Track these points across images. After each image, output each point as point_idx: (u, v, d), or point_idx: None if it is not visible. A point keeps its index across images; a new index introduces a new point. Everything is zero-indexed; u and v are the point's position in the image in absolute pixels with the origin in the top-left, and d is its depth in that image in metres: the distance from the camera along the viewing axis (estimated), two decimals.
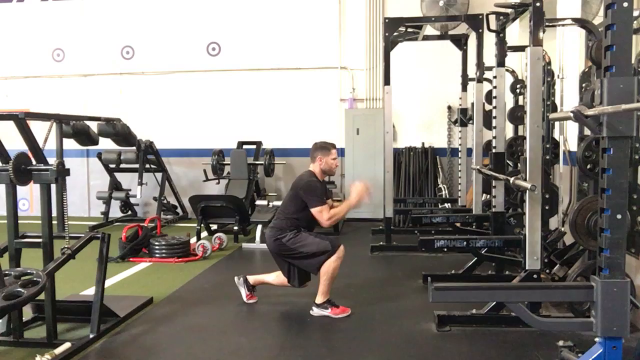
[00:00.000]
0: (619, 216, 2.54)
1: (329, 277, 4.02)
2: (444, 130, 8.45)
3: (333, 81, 8.62)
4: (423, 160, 8.38)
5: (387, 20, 6.27)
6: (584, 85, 4.29)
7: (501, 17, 4.67)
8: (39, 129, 5.37)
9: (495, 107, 4.79)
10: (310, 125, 8.65)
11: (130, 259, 5.91)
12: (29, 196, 9.28)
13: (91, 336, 3.55)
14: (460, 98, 7.39)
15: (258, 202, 6.83)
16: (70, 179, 4.18)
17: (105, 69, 9.11)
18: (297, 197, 4.10)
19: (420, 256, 5.81)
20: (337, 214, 4.12)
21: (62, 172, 3.55)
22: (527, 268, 3.68)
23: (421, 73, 8.37)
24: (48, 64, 9.27)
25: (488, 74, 6.01)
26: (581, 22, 4.34)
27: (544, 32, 3.59)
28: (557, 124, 5.12)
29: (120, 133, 8.02)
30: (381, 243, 6.30)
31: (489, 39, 5.40)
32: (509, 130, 6.19)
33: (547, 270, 4.30)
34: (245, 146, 8.49)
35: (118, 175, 8.64)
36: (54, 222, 4.25)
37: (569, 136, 4.97)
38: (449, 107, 8.37)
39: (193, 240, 6.41)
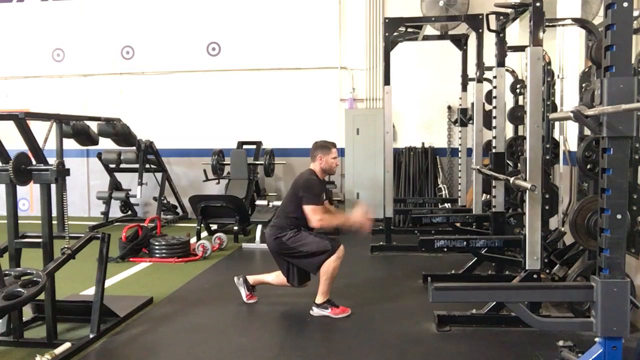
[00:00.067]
0: (619, 216, 2.54)
1: (328, 277, 4.02)
2: (444, 130, 8.45)
3: (333, 81, 8.62)
4: (423, 160, 8.38)
5: (387, 20, 6.27)
6: (584, 85, 4.29)
7: (501, 17, 4.67)
8: (39, 129, 5.37)
9: (495, 107, 4.79)
10: (310, 125, 8.65)
11: (130, 259, 5.91)
12: (29, 196, 9.29)
13: (91, 336, 3.55)
14: (460, 98, 7.39)
15: (258, 202, 6.83)
16: (70, 179, 4.18)
17: (105, 69, 9.11)
18: (297, 195, 4.10)
19: (420, 256, 5.81)
20: (329, 220, 4.12)
21: (62, 172, 3.55)
22: (527, 268, 3.68)
23: (421, 73, 8.37)
24: (48, 64, 9.28)
25: (488, 74, 6.01)
26: (581, 22, 4.34)
27: (544, 32, 3.59)
28: (557, 124, 5.12)
29: (120, 133, 8.02)
30: (381, 243, 6.30)
31: (489, 39, 5.40)
32: (509, 130, 6.19)
33: (547, 270, 4.30)
34: (245, 146, 8.49)
35: (118, 175, 8.64)
36: (54, 222, 4.25)
37: (569, 136, 4.97)
38: (449, 107, 8.38)
39: (193, 240, 6.41)
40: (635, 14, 3.54)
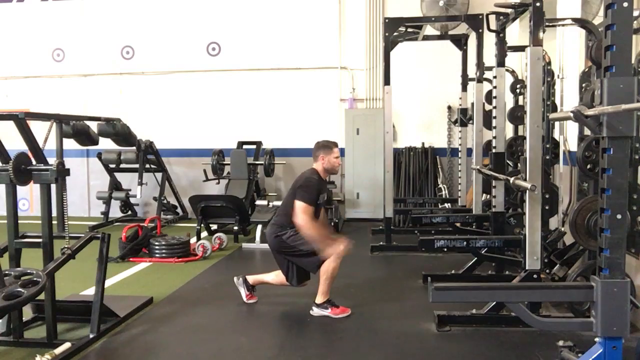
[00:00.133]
0: (619, 216, 2.54)
1: (328, 277, 4.02)
2: (444, 130, 8.45)
3: (333, 81, 8.62)
4: (423, 160, 8.39)
5: (387, 20, 6.27)
6: (584, 85, 4.29)
7: (501, 17, 4.67)
8: (39, 129, 5.37)
9: (495, 107, 4.79)
10: (310, 125, 8.65)
11: (130, 259, 5.91)
12: (29, 196, 9.29)
13: (91, 336, 3.55)
14: (460, 98, 7.39)
15: (258, 202, 6.84)
16: (70, 179, 4.18)
17: (105, 69, 9.11)
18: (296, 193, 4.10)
19: (420, 256, 5.81)
20: (312, 229, 3.93)
21: (62, 172, 3.55)
22: (527, 268, 3.68)
23: (421, 73, 8.37)
24: (48, 64, 9.28)
25: (488, 74, 6.01)
26: (581, 22, 4.34)
27: (544, 32, 3.59)
28: (557, 124, 5.12)
29: (120, 133, 8.02)
30: (381, 243, 6.30)
31: (489, 39, 5.40)
32: (509, 130, 6.19)
33: (547, 270, 4.30)
34: (245, 146, 8.49)
35: (118, 175, 8.64)
36: (54, 222, 4.25)
37: (569, 136, 4.97)
38: (449, 107, 8.38)
39: (193, 240, 6.41)
40: (635, 14, 3.54)
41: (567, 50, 5.26)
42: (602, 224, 2.59)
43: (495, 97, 4.81)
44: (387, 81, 6.18)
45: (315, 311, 4.07)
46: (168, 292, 4.71)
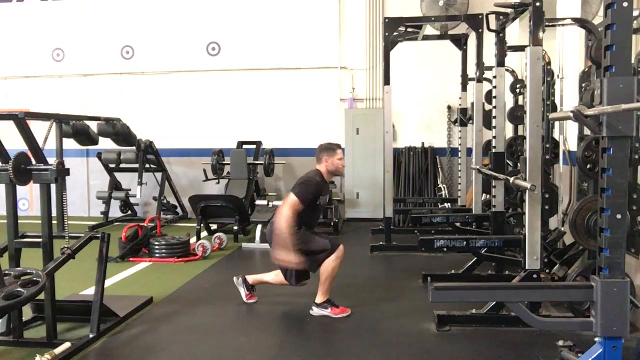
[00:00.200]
0: (619, 216, 2.54)
1: (328, 277, 4.02)
2: (444, 130, 8.45)
3: (333, 81, 8.62)
4: (423, 160, 8.39)
5: (387, 20, 6.27)
6: (584, 85, 4.29)
7: (501, 17, 4.67)
8: (39, 129, 5.36)
9: (495, 107, 4.79)
10: (310, 125, 8.65)
11: (130, 259, 5.91)
12: (29, 196, 9.29)
13: (91, 336, 3.55)
14: (460, 98, 7.39)
15: (258, 202, 6.82)
16: (70, 179, 4.18)
17: (105, 69, 9.11)
18: None
19: (420, 256, 5.81)
20: (286, 227, 3.81)
21: (62, 172, 3.55)
22: (527, 268, 3.68)
23: (421, 73, 8.37)
24: (48, 64, 9.28)
25: (488, 74, 6.01)
26: (581, 22, 4.34)
27: (544, 32, 3.59)
28: (557, 124, 5.12)
29: (120, 133, 8.02)
30: (381, 243, 6.30)
31: (489, 39, 5.40)
32: (509, 130, 6.19)
33: (547, 270, 4.30)
34: (245, 146, 8.49)
35: (118, 175, 8.64)
36: (54, 222, 4.25)
37: (569, 136, 4.97)
38: (449, 107, 8.38)
39: (193, 240, 6.41)
40: (635, 14, 3.54)
41: (567, 50, 5.26)
42: (602, 224, 2.59)
43: (495, 97, 4.81)
44: (387, 81, 6.18)
45: (315, 311, 4.07)
46: (168, 292, 4.71)
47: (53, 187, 3.56)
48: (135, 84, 9.08)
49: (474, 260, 4.83)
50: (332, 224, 7.45)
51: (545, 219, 4.55)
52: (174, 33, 8.93)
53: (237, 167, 8.03)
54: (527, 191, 3.62)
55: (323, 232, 4.33)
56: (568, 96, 5.17)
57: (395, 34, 6.44)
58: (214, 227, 7.19)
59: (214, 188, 8.38)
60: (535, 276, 3.66)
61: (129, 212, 8.77)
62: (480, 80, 6.14)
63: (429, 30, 7.20)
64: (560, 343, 3.11)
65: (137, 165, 8.16)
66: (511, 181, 3.89)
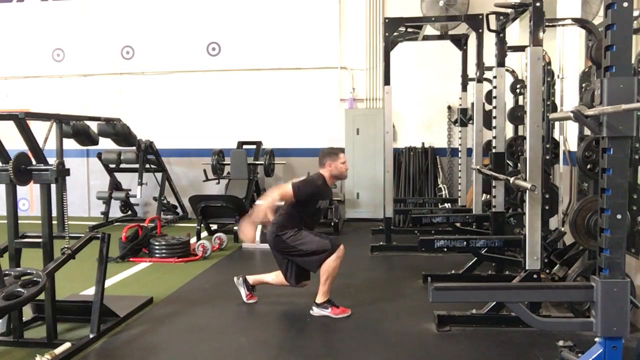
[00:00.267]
0: (619, 216, 2.54)
1: (328, 277, 4.02)
2: (444, 130, 8.45)
3: (333, 81, 8.62)
4: (423, 160, 8.39)
5: (387, 20, 6.27)
6: (584, 85, 4.29)
7: (501, 17, 4.67)
8: (39, 129, 5.36)
9: (495, 107, 4.79)
10: (310, 125, 8.65)
11: (130, 259, 5.91)
12: (29, 196, 9.29)
13: (91, 336, 3.55)
14: (460, 98, 7.39)
15: (258, 202, 6.82)
16: (70, 179, 4.18)
17: (105, 69, 9.11)
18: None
19: (420, 256, 5.81)
20: (265, 201, 3.89)
21: (62, 172, 3.55)
22: (527, 268, 3.68)
23: (421, 73, 8.37)
24: (48, 64, 9.28)
25: (488, 74, 6.01)
26: (581, 22, 4.34)
27: (544, 32, 3.58)
28: (557, 124, 5.12)
29: (120, 133, 8.02)
30: (381, 243, 6.30)
31: (489, 39, 5.40)
32: (509, 130, 6.19)
33: (547, 270, 4.30)
34: (245, 146, 8.49)
35: (118, 175, 8.64)
36: (54, 222, 4.25)
37: (569, 136, 4.97)
38: (449, 107, 8.38)
39: (193, 240, 6.41)
40: (635, 14, 3.54)
41: (567, 50, 5.26)
42: (602, 224, 2.59)
43: (495, 97, 4.81)
44: (387, 81, 6.18)
45: (315, 311, 4.07)
46: (168, 292, 4.71)
47: (53, 187, 3.56)
48: (135, 84, 9.08)
49: (474, 260, 4.83)
50: (332, 224, 7.45)
51: (545, 219, 4.55)
52: (174, 33, 8.93)
53: (237, 167, 8.03)
54: (527, 191, 3.62)
55: (323, 232, 4.33)
56: (568, 96, 5.17)
57: (395, 34, 6.44)
58: (214, 227, 7.19)
59: (214, 188, 8.38)
60: (535, 276, 3.66)
61: (129, 212, 8.77)
62: (480, 80, 6.14)
63: (429, 30, 7.20)
64: (560, 343, 3.11)
65: (137, 165, 8.16)
66: (511, 181, 3.89)
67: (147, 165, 8.37)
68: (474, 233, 5.84)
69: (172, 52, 8.94)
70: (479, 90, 6.14)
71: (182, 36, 8.91)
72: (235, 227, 6.80)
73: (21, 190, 6.46)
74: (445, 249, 4.61)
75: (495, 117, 4.79)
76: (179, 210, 8.74)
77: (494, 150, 4.89)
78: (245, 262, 6.07)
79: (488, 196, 6.01)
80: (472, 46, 6.58)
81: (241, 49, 8.79)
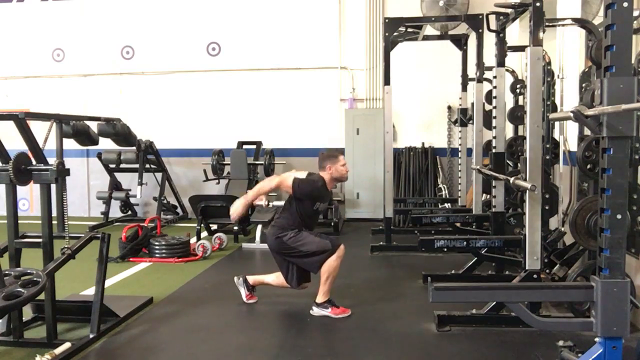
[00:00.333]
0: (619, 216, 2.54)
1: (329, 276, 4.02)
2: (444, 130, 8.45)
3: (333, 81, 8.62)
4: (423, 160, 8.39)
5: (387, 20, 6.27)
6: (584, 85, 4.29)
7: (501, 17, 4.67)
8: (39, 129, 5.36)
9: (495, 107, 4.79)
10: (310, 125, 8.65)
11: (130, 259, 5.91)
12: (29, 196, 9.28)
13: (91, 336, 3.55)
14: (460, 98, 7.39)
15: (258, 202, 6.82)
16: (70, 179, 4.18)
17: (105, 69, 9.11)
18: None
19: (420, 256, 5.81)
20: (264, 184, 4.16)
21: (62, 172, 3.55)
22: (527, 268, 3.68)
23: (421, 73, 8.37)
24: (48, 64, 9.28)
25: (488, 74, 6.01)
26: (581, 22, 4.34)
27: (544, 32, 3.59)
28: (557, 124, 5.12)
29: (120, 133, 8.02)
30: (381, 243, 6.30)
31: (489, 39, 5.40)
32: (509, 130, 6.19)
33: (547, 270, 4.30)
34: (245, 146, 8.49)
35: (118, 175, 8.64)
36: (54, 222, 4.25)
37: (569, 136, 4.97)
38: (449, 107, 8.38)
39: (193, 240, 6.41)
40: (635, 14, 3.54)
41: (567, 50, 5.26)
42: (602, 224, 2.59)
43: (495, 97, 4.81)
44: (387, 81, 6.18)
45: (316, 311, 4.07)
46: (168, 292, 4.71)
47: (53, 187, 3.56)
48: (135, 84, 9.08)
49: (474, 260, 4.83)
50: (332, 224, 7.45)
51: (545, 219, 4.55)
52: (174, 33, 8.93)
53: (237, 167, 8.03)
54: (527, 191, 3.62)
55: (323, 232, 4.33)
56: (568, 96, 5.17)
57: (395, 34, 6.44)
58: (214, 227, 7.19)
59: (214, 188, 8.38)
60: (535, 276, 3.66)
61: (129, 212, 8.77)
62: (480, 80, 6.14)
63: (429, 30, 7.20)
64: (560, 343, 3.11)
65: (137, 165, 8.16)
66: (511, 181, 3.89)
67: (147, 165, 8.37)
68: (474, 233, 5.84)
69: (172, 52, 8.94)
70: (479, 90, 6.14)
71: (182, 36, 8.91)
72: (235, 227, 6.83)
73: (21, 190, 6.46)
74: (445, 249, 4.61)
75: (495, 117, 4.79)
76: (179, 210, 8.74)
77: (494, 150, 4.89)
78: (245, 262, 6.07)
79: (488, 196, 6.01)
80: (472, 46, 6.58)
81: (241, 49, 8.79)
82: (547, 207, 4.38)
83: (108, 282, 4.55)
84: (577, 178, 4.59)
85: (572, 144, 4.80)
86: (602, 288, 2.57)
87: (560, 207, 4.81)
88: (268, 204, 6.37)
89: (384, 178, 6.36)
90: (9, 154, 3.54)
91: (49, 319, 3.48)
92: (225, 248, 6.51)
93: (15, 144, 3.83)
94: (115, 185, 8.58)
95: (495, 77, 4.82)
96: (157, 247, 5.95)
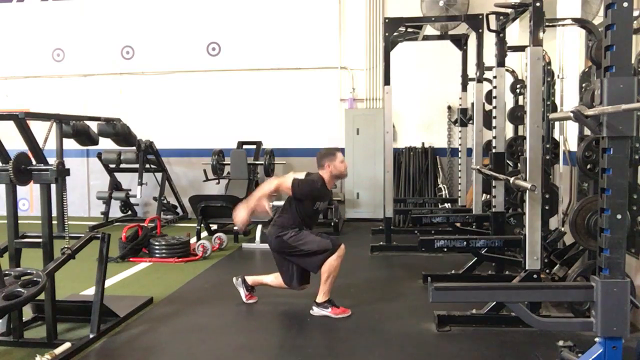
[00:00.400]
0: (619, 216, 2.54)
1: (329, 276, 4.02)
2: (444, 130, 8.45)
3: (333, 81, 8.62)
4: (423, 160, 8.39)
5: (387, 20, 6.27)
6: (584, 85, 4.29)
7: (501, 17, 4.67)
8: (39, 129, 5.37)
9: (495, 107, 4.79)
10: (310, 125, 8.65)
11: (130, 259, 5.91)
12: (29, 196, 9.28)
13: (91, 336, 3.55)
14: (460, 98, 7.39)
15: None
16: (70, 179, 4.18)
17: (105, 69, 9.11)
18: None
19: (420, 256, 5.81)
20: (262, 188, 4.10)
21: (62, 172, 3.55)
22: (527, 268, 3.68)
23: (421, 73, 8.37)
24: (48, 64, 9.28)
25: (488, 74, 6.01)
26: (581, 22, 4.34)
27: (544, 32, 3.59)
28: (557, 124, 5.12)
29: (120, 133, 8.02)
30: (381, 243, 6.30)
31: (489, 39, 5.40)
32: (509, 130, 6.19)
33: (547, 270, 4.30)
34: (245, 146, 8.49)
35: (118, 175, 8.64)
36: (54, 222, 4.25)
37: (569, 136, 4.97)
38: (449, 107, 8.37)
39: (193, 240, 6.41)
40: (635, 14, 3.54)
41: (567, 50, 5.26)
42: (602, 224, 2.59)
43: (495, 97, 4.81)
44: (387, 81, 6.18)
45: (316, 311, 4.07)
46: (168, 292, 4.71)
47: (53, 187, 3.56)
48: (135, 84, 9.08)
49: (474, 260, 4.83)
50: (332, 224, 7.45)
51: (545, 219, 4.55)
52: (174, 33, 8.93)
53: (237, 167, 8.03)
54: (527, 191, 3.62)
55: (323, 232, 4.33)
56: (568, 96, 5.17)
57: (395, 34, 6.44)
58: (214, 227, 7.19)
59: (214, 188, 8.38)
60: (535, 276, 3.66)
61: (129, 212, 8.77)
62: (480, 80, 6.14)
63: (429, 30, 7.19)
64: (560, 343, 3.11)
65: (137, 165, 8.16)
66: (511, 181, 3.89)
67: (147, 165, 8.37)
68: (474, 233, 5.84)
69: (172, 52, 8.94)
70: (479, 90, 6.14)
71: (182, 36, 8.91)
72: (235, 227, 6.83)
73: (21, 190, 6.46)
74: (445, 249, 4.61)
75: (495, 117, 4.79)
76: (179, 210, 8.74)
77: (494, 150, 4.89)
78: (245, 262, 6.07)
79: (488, 196, 6.01)
80: (472, 46, 6.58)
81: (241, 49, 8.79)
82: (547, 207, 4.38)
83: (108, 282, 4.55)
84: (577, 178, 4.59)
85: (572, 144, 4.80)
86: (602, 288, 2.57)
87: (560, 207, 4.81)
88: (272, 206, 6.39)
89: (384, 178, 6.37)
90: (9, 154, 3.54)
91: (49, 319, 3.48)
92: (225, 248, 6.51)
93: (15, 144, 3.83)
94: (115, 185, 8.58)
95: (495, 77, 4.82)
96: (157, 247, 5.95)
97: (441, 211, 7.25)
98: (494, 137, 4.85)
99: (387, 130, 6.25)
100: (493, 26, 4.77)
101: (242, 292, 4.40)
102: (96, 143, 8.14)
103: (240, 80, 8.81)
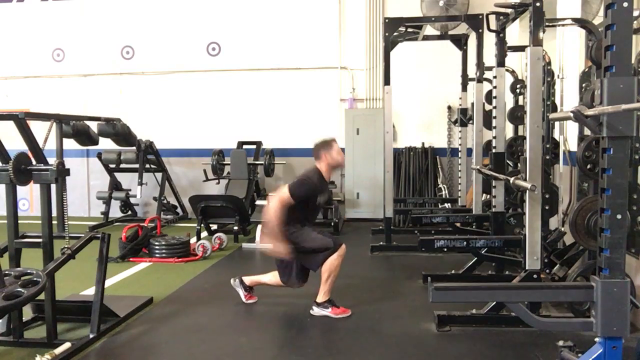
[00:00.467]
0: (619, 216, 2.54)
1: (330, 276, 4.01)
2: (444, 130, 8.45)
3: (333, 81, 8.62)
4: (423, 160, 8.39)
5: (387, 20, 6.27)
6: (584, 85, 4.29)
7: (501, 17, 4.67)
8: (39, 129, 5.37)
9: (495, 107, 4.79)
10: (310, 125, 8.65)
11: (130, 259, 5.91)
12: (29, 196, 9.28)
13: (91, 336, 3.55)
14: (460, 98, 7.39)
15: (258, 202, 6.84)
16: (70, 179, 4.18)
17: (105, 69, 9.11)
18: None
19: (420, 256, 5.81)
20: (273, 217, 3.87)
21: (62, 172, 3.55)
22: (527, 268, 3.68)
23: (421, 73, 8.37)
24: (48, 64, 9.28)
25: (488, 74, 6.01)
26: (581, 22, 4.34)
27: (544, 32, 3.59)
28: (557, 124, 5.12)
29: (120, 133, 8.02)
30: (381, 243, 6.30)
31: (489, 39, 5.40)
32: (509, 130, 6.19)
33: (547, 270, 4.30)
34: (245, 146, 8.49)
35: (118, 175, 8.64)
36: (54, 222, 4.25)
37: (569, 136, 4.97)
38: (449, 107, 8.38)
39: (193, 240, 6.41)
40: (635, 14, 3.54)
41: (567, 50, 5.26)
42: (602, 224, 2.59)
43: (495, 97, 4.81)
44: (387, 81, 6.18)
45: (316, 310, 4.07)
46: (168, 292, 4.71)
47: (53, 187, 3.56)
48: (135, 84, 9.08)
49: (474, 260, 4.83)
50: (332, 224, 7.45)
51: (545, 219, 4.55)
52: (174, 33, 8.93)
53: (237, 167, 8.03)
54: (527, 191, 3.62)
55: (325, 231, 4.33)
56: (568, 96, 5.17)
57: (395, 34, 6.44)
58: (214, 227, 7.20)
59: (214, 188, 8.38)
60: (535, 276, 3.66)
61: (129, 212, 8.78)
62: (480, 80, 6.15)
63: (429, 30, 7.19)
64: (560, 343, 3.11)
65: (137, 165, 8.16)
66: (511, 181, 3.89)
67: (147, 165, 8.37)
68: (474, 233, 5.84)
69: (172, 52, 8.94)
70: (479, 90, 6.14)
71: (182, 36, 8.91)
72: (236, 227, 6.83)
73: (21, 190, 6.46)
74: (445, 249, 4.62)
75: (495, 117, 4.79)
76: (179, 210, 8.74)
77: (494, 150, 4.89)
78: (245, 262, 6.07)
79: (488, 196, 6.01)
80: (472, 46, 6.58)
81: (241, 49, 8.79)
82: (547, 207, 4.38)
83: (108, 282, 4.55)
84: (577, 178, 4.59)
85: (572, 144, 4.80)
86: (602, 288, 2.57)
87: (560, 207, 4.81)
88: None
89: (384, 178, 6.37)
90: (9, 154, 3.54)
91: (49, 319, 3.48)
92: (225, 248, 6.51)
93: (15, 144, 3.83)
94: (115, 185, 8.58)
95: (495, 77, 4.82)
96: (157, 247, 5.95)
97: (441, 211, 7.25)
98: (494, 137, 4.85)
99: (387, 130, 6.25)
100: (493, 26, 4.77)
101: (241, 292, 4.39)
102: (96, 143, 8.14)
103: (240, 80, 8.81)
